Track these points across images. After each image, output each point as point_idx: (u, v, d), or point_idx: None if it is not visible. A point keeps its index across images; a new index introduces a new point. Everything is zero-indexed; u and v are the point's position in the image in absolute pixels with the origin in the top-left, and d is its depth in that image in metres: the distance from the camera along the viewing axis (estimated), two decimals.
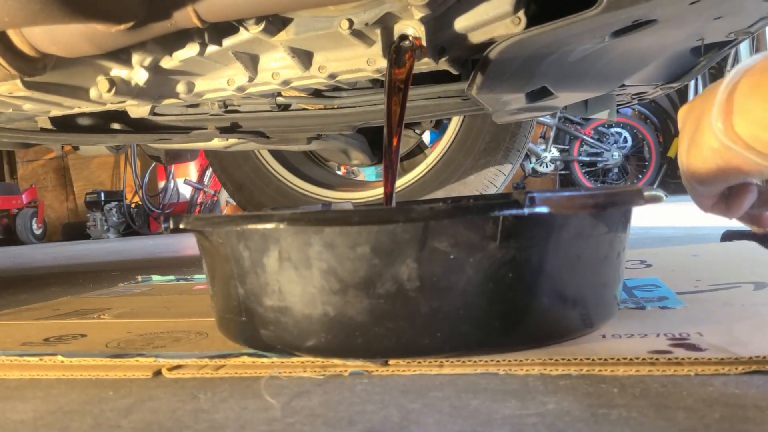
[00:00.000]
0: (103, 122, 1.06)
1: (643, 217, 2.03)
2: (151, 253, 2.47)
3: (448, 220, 0.43)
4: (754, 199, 0.52)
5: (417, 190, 1.61)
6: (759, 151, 0.43)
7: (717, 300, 0.61)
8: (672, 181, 4.33)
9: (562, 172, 4.51)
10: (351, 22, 0.63)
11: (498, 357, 0.45)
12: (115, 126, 1.07)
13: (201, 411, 0.41)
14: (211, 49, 0.70)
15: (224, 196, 4.80)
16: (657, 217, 2.07)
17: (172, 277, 1.18)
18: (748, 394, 0.37)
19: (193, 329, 0.63)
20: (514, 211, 0.42)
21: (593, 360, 0.44)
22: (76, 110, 0.88)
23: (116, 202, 5.06)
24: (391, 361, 0.46)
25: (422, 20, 0.63)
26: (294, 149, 1.58)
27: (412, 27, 0.64)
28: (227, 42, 0.69)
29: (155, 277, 1.19)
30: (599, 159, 4.37)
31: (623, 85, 0.99)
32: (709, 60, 0.90)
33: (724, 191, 0.51)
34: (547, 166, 4.37)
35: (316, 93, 0.95)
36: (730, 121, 0.44)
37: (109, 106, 0.86)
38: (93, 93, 0.79)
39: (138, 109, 0.90)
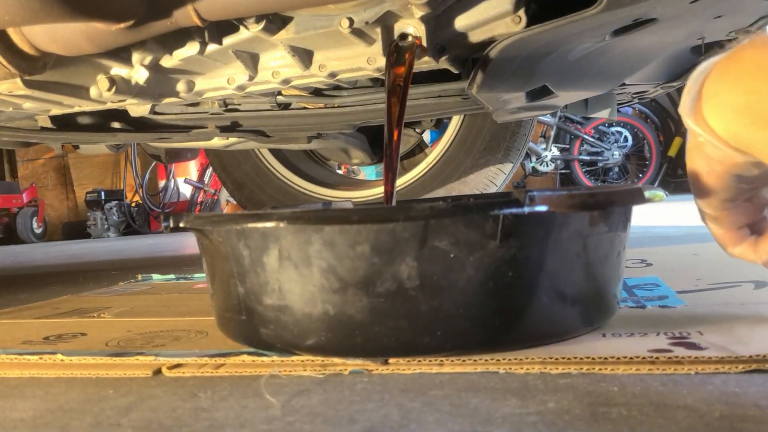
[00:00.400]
0: (103, 121, 1.06)
1: (643, 216, 2.03)
2: (151, 252, 2.47)
3: (448, 218, 0.43)
4: None
5: (417, 189, 1.61)
6: (724, 139, 0.41)
7: (717, 299, 0.61)
8: (672, 180, 4.33)
9: (563, 171, 4.51)
10: (351, 20, 0.63)
11: (498, 356, 0.45)
12: (116, 125, 1.07)
13: (201, 409, 0.41)
14: (212, 47, 0.70)
15: (225, 195, 4.80)
16: (657, 216, 2.07)
17: (172, 276, 1.18)
18: (748, 392, 0.37)
19: (193, 328, 0.63)
20: (514, 210, 0.42)
21: (593, 359, 0.44)
22: (77, 109, 0.88)
23: (116, 201, 5.05)
24: (391, 360, 0.46)
25: (422, 19, 0.63)
26: (294, 148, 1.58)
27: (412, 26, 0.64)
28: (227, 41, 0.69)
29: (155, 276, 1.19)
30: (600, 158, 4.37)
31: (623, 84, 0.99)
32: None
33: (753, 236, 0.48)
34: (547, 165, 4.37)
35: (317, 92, 0.95)
36: (700, 108, 0.42)
37: (110, 105, 0.86)
38: (93, 92, 0.79)
39: (138, 108, 0.90)
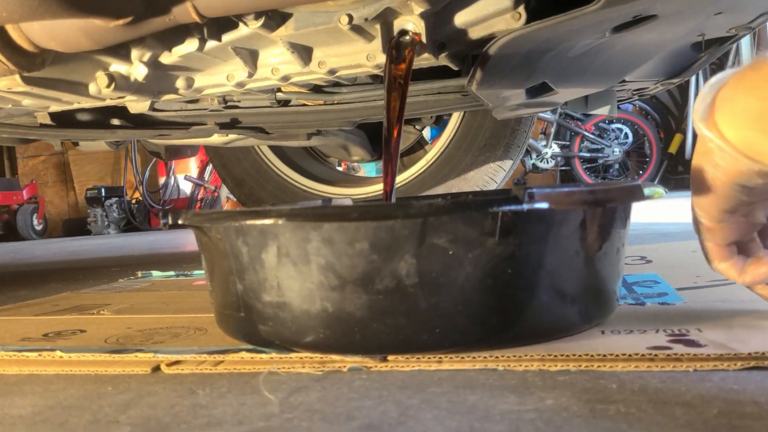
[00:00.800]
0: (102, 118, 1.06)
1: (643, 212, 2.03)
2: (151, 248, 2.47)
3: (446, 216, 0.43)
4: None
5: (417, 186, 1.61)
6: (735, 145, 0.41)
7: (716, 296, 0.61)
8: (673, 177, 4.32)
9: (563, 168, 4.51)
10: (350, 17, 0.62)
11: (497, 353, 0.45)
12: (115, 121, 1.07)
13: (199, 406, 0.41)
14: (211, 44, 0.70)
15: (225, 192, 4.80)
16: (657, 212, 2.06)
17: (171, 273, 1.18)
18: (746, 389, 0.37)
19: (192, 325, 0.63)
20: (512, 207, 0.42)
21: (592, 356, 0.44)
22: (76, 106, 0.88)
23: (117, 198, 5.06)
24: (390, 357, 0.46)
25: (422, 15, 0.62)
26: (294, 145, 1.58)
27: (411, 22, 0.64)
28: (226, 37, 0.69)
29: (155, 273, 1.19)
30: (600, 155, 4.36)
31: (624, 81, 0.99)
32: (710, 56, 0.90)
33: (740, 255, 0.48)
34: (547, 162, 4.36)
35: (316, 89, 0.94)
36: (713, 114, 0.42)
37: (109, 102, 0.86)
38: (92, 88, 0.79)
39: (137, 105, 0.89)
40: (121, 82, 0.76)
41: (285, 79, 0.76)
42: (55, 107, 0.89)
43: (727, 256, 0.49)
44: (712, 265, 0.50)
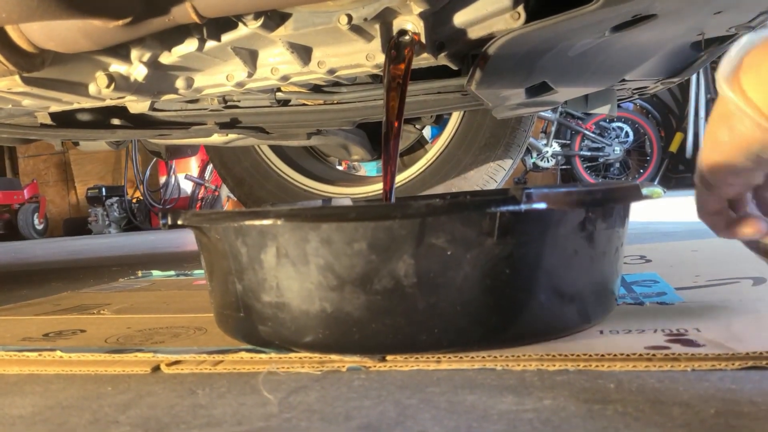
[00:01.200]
0: (102, 118, 1.06)
1: (643, 212, 2.02)
2: (152, 248, 2.48)
3: (445, 216, 0.43)
4: (764, 231, 0.47)
5: (417, 185, 1.61)
6: (761, 109, 0.40)
7: (715, 295, 0.61)
8: (674, 175, 4.32)
9: (564, 167, 4.51)
10: (350, 17, 0.62)
11: (495, 353, 0.46)
12: (115, 121, 1.07)
13: (199, 406, 0.41)
14: (210, 44, 0.70)
15: (225, 191, 4.80)
16: (657, 212, 2.06)
17: (172, 273, 1.18)
18: (744, 389, 0.37)
19: (192, 325, 0.64)
20: (510, 207, 0.42)
21: (590, 356, 0.44)
22: (76, 106, 0.88)
23: (117, 198, 5.06)
24: (389, 357, 0.47)
25: (421, 15, 0.63)
26: (294, 144, 1.58)
27: (411, 22, 0.64)
28: (226, 37, 0.69)
29: (155, 273, 1.19)
30: (601, 154, 4.36)
31: (624, 80, 0.99)
32: (710, 55, 0.90)
33: (730, 213, 0.48)
34: (548, 161, 4.36)
35: (316, 88, 0.95)
36: (739, 76, 0.41)
37: (109, 102, 0.86)
38: (92, 89, 0.79)
39: (137, 105, 0.90)
40: (120, 83, 0.76)
41: (284, 78, 0.76)
42: (55, 107, 0.90)
43: (719, 209, 0.49)
44: (700, 213, 0.50)
